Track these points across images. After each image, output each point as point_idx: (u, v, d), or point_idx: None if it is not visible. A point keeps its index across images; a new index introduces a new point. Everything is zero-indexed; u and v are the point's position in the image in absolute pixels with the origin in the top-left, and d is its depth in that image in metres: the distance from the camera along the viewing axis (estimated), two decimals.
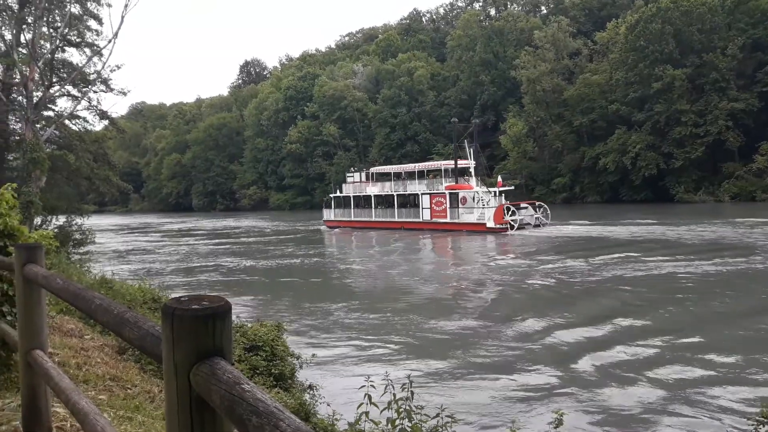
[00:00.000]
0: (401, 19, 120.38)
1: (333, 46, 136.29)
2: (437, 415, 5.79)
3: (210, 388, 1.49)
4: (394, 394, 5.78)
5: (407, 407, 5.67)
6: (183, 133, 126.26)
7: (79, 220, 28.50)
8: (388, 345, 14.40)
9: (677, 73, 64.26)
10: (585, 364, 12.31)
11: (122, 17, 31.93)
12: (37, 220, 23.69)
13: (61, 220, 27.60)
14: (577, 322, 15.97)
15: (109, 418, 3.49)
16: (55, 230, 24.77)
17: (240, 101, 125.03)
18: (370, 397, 5.80)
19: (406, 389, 5.91)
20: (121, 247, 45.88)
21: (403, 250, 37.46)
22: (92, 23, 28.96)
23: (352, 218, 54.66)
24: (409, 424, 5.53)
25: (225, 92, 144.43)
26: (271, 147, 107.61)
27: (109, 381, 6.16)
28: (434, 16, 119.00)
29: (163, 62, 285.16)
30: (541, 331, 15.14)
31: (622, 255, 27.54)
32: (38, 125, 25.56)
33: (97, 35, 29.05)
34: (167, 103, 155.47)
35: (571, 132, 75.91)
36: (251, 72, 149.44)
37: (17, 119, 26.93)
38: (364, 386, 6.03)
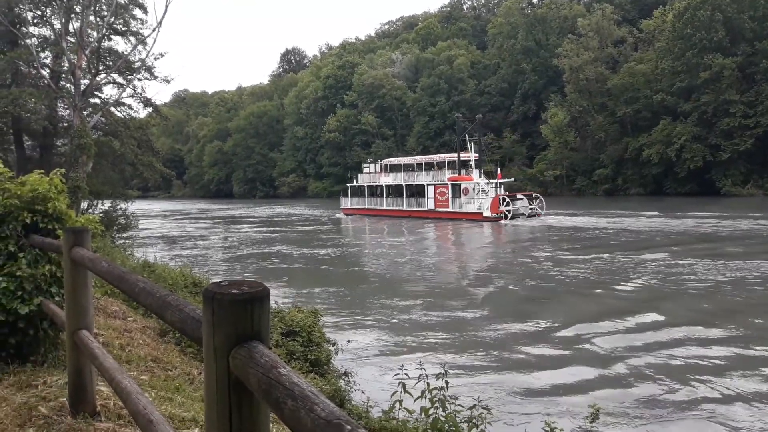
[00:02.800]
0: (442, 7, 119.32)
1: (372, 34, 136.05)
2: (473, 406, 5.78)
3: (248, 371, 1.52)
4: (428, 384, 5.80)
5: (441, 397, 5.68)
6: (224, 120, 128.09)
7: (123, 205, 29.20)
8: (420, 333, 14.40)
9: (727, 62, 62.19)
10: (618, 357, 12.11)
11: (166, 6, 32.54)
12: (84, 205, 24.37)
13: (106, 204, 28.30)
14: (605, 313, 15.72)
15: (150, 397, 3.59)
16: (101, 214, 25.41)
17: (280, 90, 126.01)
18: (404, 386, 5.84)
19: (441, 379, 5.91)
20: (162, 232, 46.89)
21: (413, 237, 39.61)
22: (137, 12, 29.53)
23: (366, 206, 58.53)
24: (443, 414, 5.54)
25: (265, 81, 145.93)
26: (310, 135, 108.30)
27: (151, 362, 6.33)
28: (475, 4, 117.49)
29: (205, 51, 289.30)
30: (569, 323, 14.95)
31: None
32: (85, 112, 26.23)
33: (142, 24, 29.64)
34: (209, 91, 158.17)
35: (614, 122, 74.30)
36: (291, 61, 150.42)
37: (65, 106, 27.66)
38: (398, 374, 6.06)
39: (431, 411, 5.57)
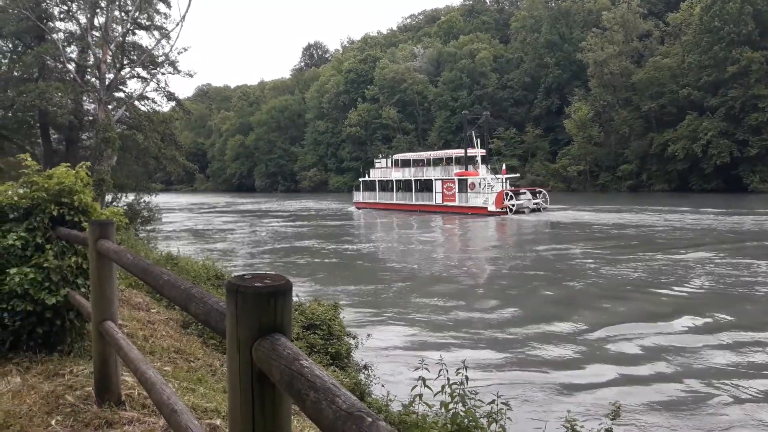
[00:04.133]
0: (464, 1, 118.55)
1: (394, 28, 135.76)
2: (492, 401, 5.77)
3: (270, 363, 1.54)
4: (448, 378, 5.80)
5: (461, 391, 5.68)
6: (246, 115, 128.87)
7: (146, 198, 29.55)
8: (439, 328, 14.39)
9: (756, 56, 60.97)
10: (639, 354, 12.00)
11: (189, 1, 32.74)
12: (108, 198, 24.71)
13: (130, 197, 28.66)
14: (627, 313, 15.57)
15: (173, 388, 3.64)
16: (125, 207, 25.75)
17: (302, 84, 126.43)
18: (424, 380, 5.84)
19: (461, 374, 5.91)
20: (186, 225, 47.39)
21: (423, 231, 40.40)
22: (161, 6, 29.83)
23: (377, 200, 60.25)
24: (463, 409, 5.54)
25: (287, 75, 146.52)
26: (331, 130, 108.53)
27: (174, 353, 6.42)
28: None
29: (227, 45, 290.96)
30: (586, 318, 14.84)
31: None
32: (110, 106, 26.57)
33: (166, 18, 29.94)
34: (231, 85, 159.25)
35: (638, 117, 73.29)
36: (313, 55, 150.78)
37: (91, 100, 28.04)
38: (417, 369, 6.07)
39: (451, 406, 5.57)
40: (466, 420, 5.41)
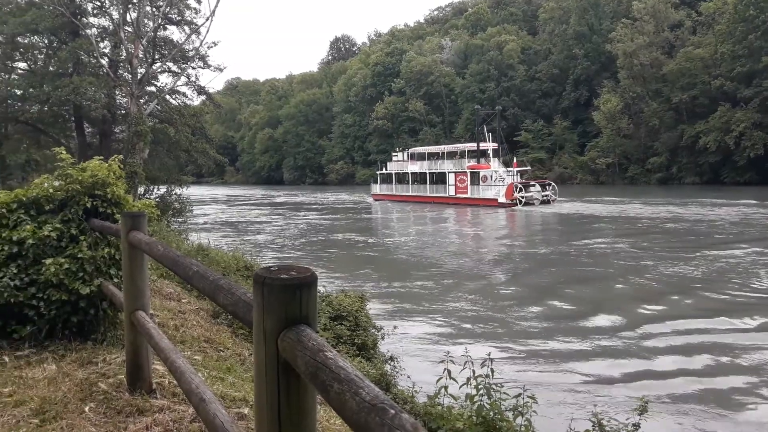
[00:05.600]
0: None
1: (422, 20, 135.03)
2: (518, 395, 5.76)
3: (296, 353, 1.57)
4: (474, 371, 5.80)
5: (486, 384, 5.68)
6: (275, 108, 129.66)
7: (178, 190, 29.94)
8: (464, 320, 14.37)
9: None
10: (668, 350, 11.83)
11: None
12: (141, 190, 25.11)
13: (162, 190, 29.07)
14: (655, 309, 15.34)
15: (202, 377, 3.72)
16: (156, 199, 26.12)
17: (329, 77, 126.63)
18: (449, 372, 5.85)
19: (487, 366, 5.91)
20: (215, 216, 47.96)
21: (440, 222, 41.71)
22: (191, 1, 30.15)
23: (393, 192, 62.40)
24: (488, 401, 5.54)
25: (315, 69, 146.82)
26: (358, 123, 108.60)
27: (204, 343, 6.53)
28: None
29: (256, 39, 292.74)
30: (615, 312, 14.66)
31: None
32: (142, 100, 26.95)
33: (196, 13, 30.25)
34: (260, 79, 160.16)
35: (669, 109, 71.80)
36: (341, 48, 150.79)
37: (123, 94, 28.49)
38: (443, 361, 6.08)
39: (476, 398, 5.58)
40: (491, 413, 5.41)
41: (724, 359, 11.29)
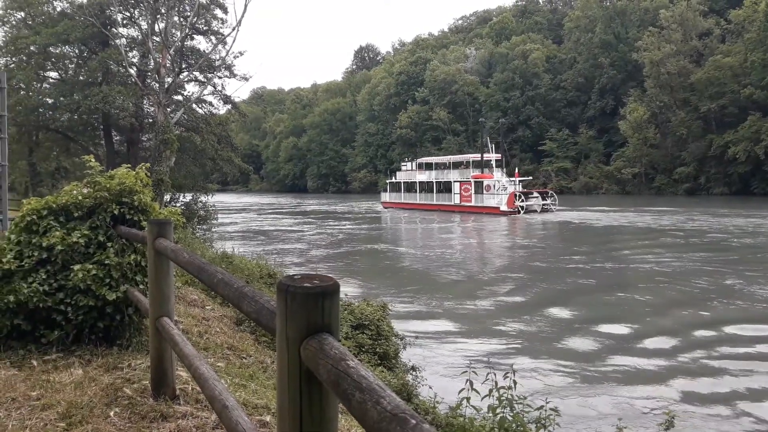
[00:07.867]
0: (517, 1, 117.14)
1: (446, 29, 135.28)
2: (541, 407, 5.70)
3: (318, 362, 1.57)
4: (496, 382, 5.75)
5: (509, 396, 5.63)
6: (299, 117, 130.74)
7: (203, 198, 30.27)
8: (487, 331, 14.27)
9: None
10: (692, 363, 11.60)
11: (245, 5, 33.38)
12: (167, 197, 25.44)
13: (188, 197, 29.39)
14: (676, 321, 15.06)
15: (225, 384, 3.74)
16: (182, 207, 26.41)
17: (353, 86, 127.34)
18: (471, 383, 5.82)
19: (509, 378, 5.86)
20: (239, 224, 48.38)
21: (448, 231, 43.04)
22: (218, 12, 30.61)
23: (402, 200, 64.78)
24: (511, 414, 5.49)
25: (339, 78, 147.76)
26: (382, 132, 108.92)
27: (227, 350, 6.57)
28: None
29: (282, 49, 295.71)
30: (631, 321, 14.45)
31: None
32: (169, 109, 27.38)
33: (222, 23, 30.73)
34: (285, 88, 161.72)
35: (697, 118, 70.83)
36: (365, 57, 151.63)
37: (150, 103, 28.96)
38: (465, 372, 6.05)
39: (498, 410, 5.53)
40: (513, 425, 5.37)
41: (760, 372, 11.04)
